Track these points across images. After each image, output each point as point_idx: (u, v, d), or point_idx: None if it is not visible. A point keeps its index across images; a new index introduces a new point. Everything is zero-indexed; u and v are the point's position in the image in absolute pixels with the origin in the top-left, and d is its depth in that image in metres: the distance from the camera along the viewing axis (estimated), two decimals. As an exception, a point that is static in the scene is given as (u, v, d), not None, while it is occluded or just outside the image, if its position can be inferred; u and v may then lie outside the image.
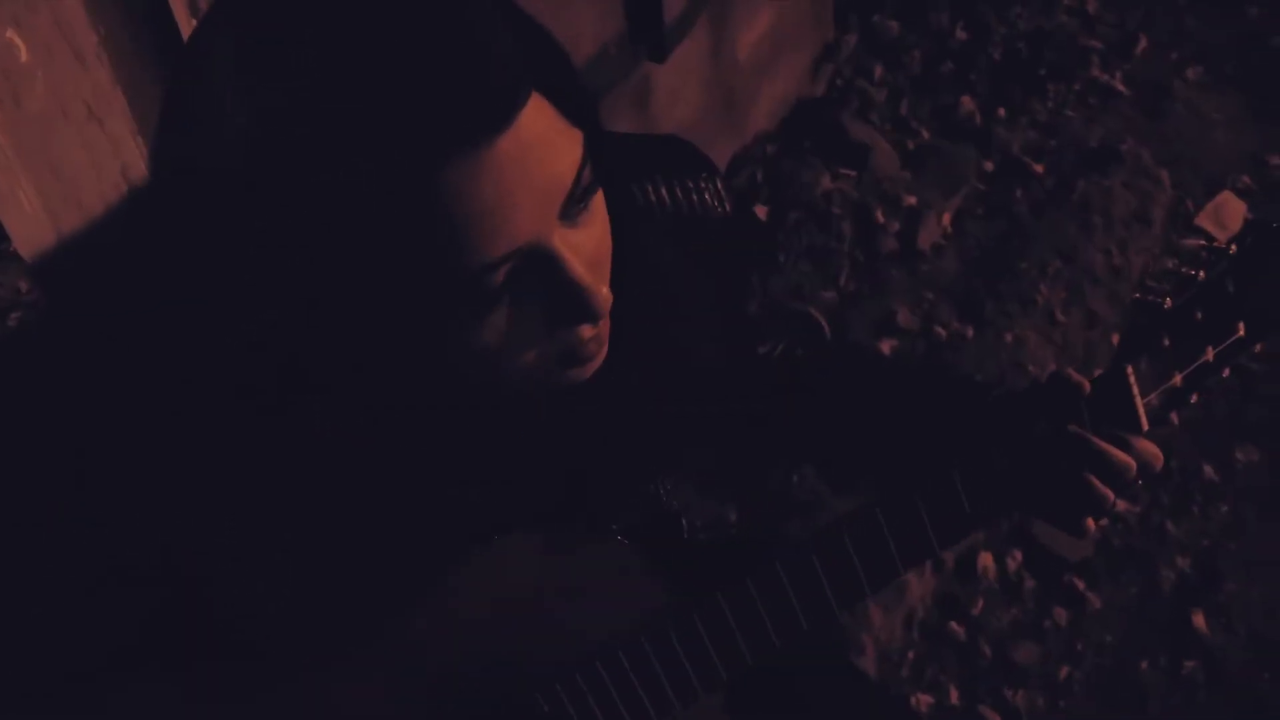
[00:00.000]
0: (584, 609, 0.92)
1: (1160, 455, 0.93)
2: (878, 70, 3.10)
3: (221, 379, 0.81)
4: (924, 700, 2.09)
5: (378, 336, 0.74)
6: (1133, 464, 0.91)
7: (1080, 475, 0.91)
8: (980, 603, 2.22)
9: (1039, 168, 2.89)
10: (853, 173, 2.73)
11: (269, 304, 0.73)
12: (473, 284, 0.70)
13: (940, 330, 2.51)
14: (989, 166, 2.92)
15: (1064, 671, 2.13)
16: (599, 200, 0.77)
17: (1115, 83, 3.15)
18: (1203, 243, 0.90)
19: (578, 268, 0.73)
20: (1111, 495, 0.91)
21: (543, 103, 0.69)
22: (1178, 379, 0.92)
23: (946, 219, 2.77)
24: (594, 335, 0.78)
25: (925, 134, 2.97)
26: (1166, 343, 0.91)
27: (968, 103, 3.04)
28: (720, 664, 0.93)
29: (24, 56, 1.08)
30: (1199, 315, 0.91)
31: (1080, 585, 2.23)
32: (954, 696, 2.11)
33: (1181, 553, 2.27)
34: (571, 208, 0.73)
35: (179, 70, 0.72)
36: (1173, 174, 2.88)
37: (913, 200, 2.71)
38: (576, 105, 0.73)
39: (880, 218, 2.67)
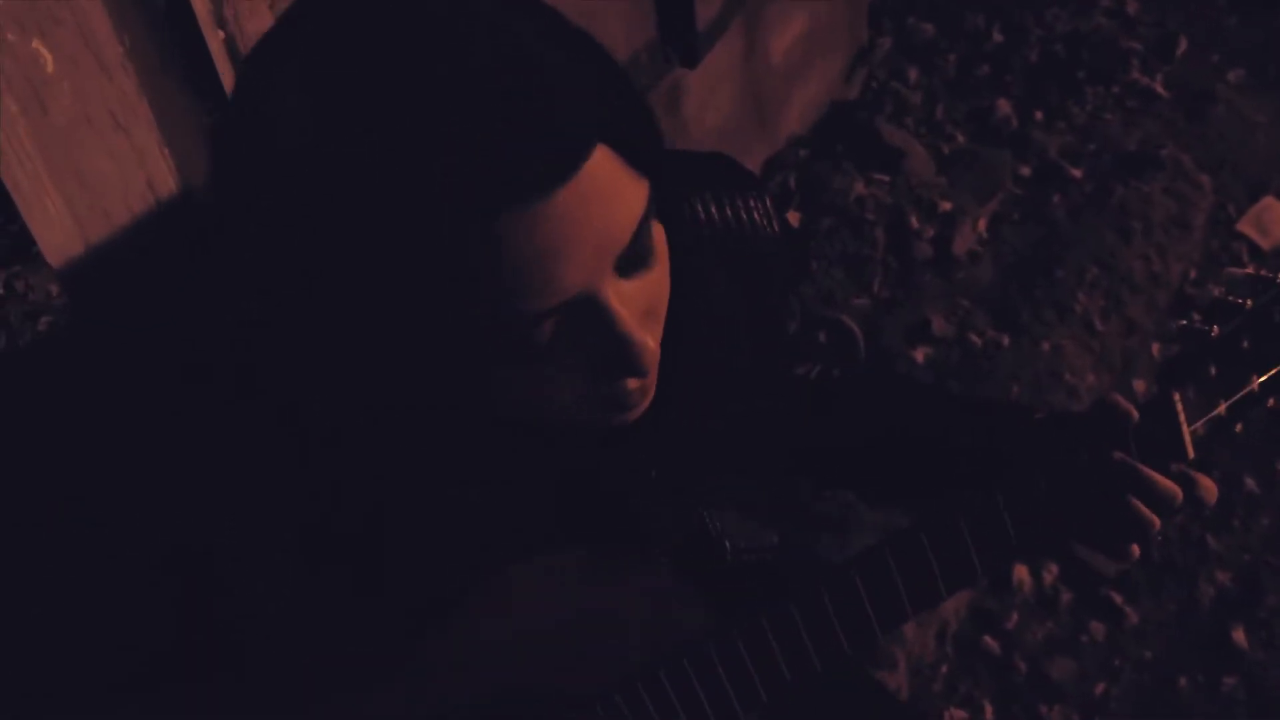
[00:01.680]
0: (625, 630, 0.91)
1: (1214, 487, 0.92)
2: (912, 73, 3.07)
3: (243, 385, 0.81)
4: (957, 716, 2.07)
5: (423, 366, 0.73)
6: (1179, 492, 0.90)
7: (1125, 501, 0.90)
8: (1015, 616, 2.19)
9: (1077, 172, 2.86)
10: (886, 177, 2.70)
11: (317, 331, 0.72)
12: (518, 331, 0.69)
13: (975, 338, 2.48)
14: (1025, 171, 2.88)
15: (1101, 687, 2.10)
16: (659, 246, 0.75)
17: (1155, 85, 3.11)
18: (1251, 270, 0.88)
19: (627, 321, 0.72)
20: (1157, 521, 0.91)
21: (608, 154, 0.67)
22: (1223, 408, 0.92)
23: (982, 225, 2.74)
24: (639, 386, 0.77)
25: (960, 138, 2.94)
26: (1213, 371, 0.90)
27: (1004, 106, 3.01)
28: (761, 686, 0.93)
29: (50, 67, 1.08)
30: (1245, 344, 0.90)
31: (1118, 599, 2.20)
32: (988, 712, 2.08)
33: (1222, 567, 2.24)
34: (629, 259, 0.72)
35: (241, 90, 0.71)
36: (1214, 179, 2.84)
37: (947, 205, 2.68)
38: (646, 155, 0.71)
39: (914, 223, 2.64)
